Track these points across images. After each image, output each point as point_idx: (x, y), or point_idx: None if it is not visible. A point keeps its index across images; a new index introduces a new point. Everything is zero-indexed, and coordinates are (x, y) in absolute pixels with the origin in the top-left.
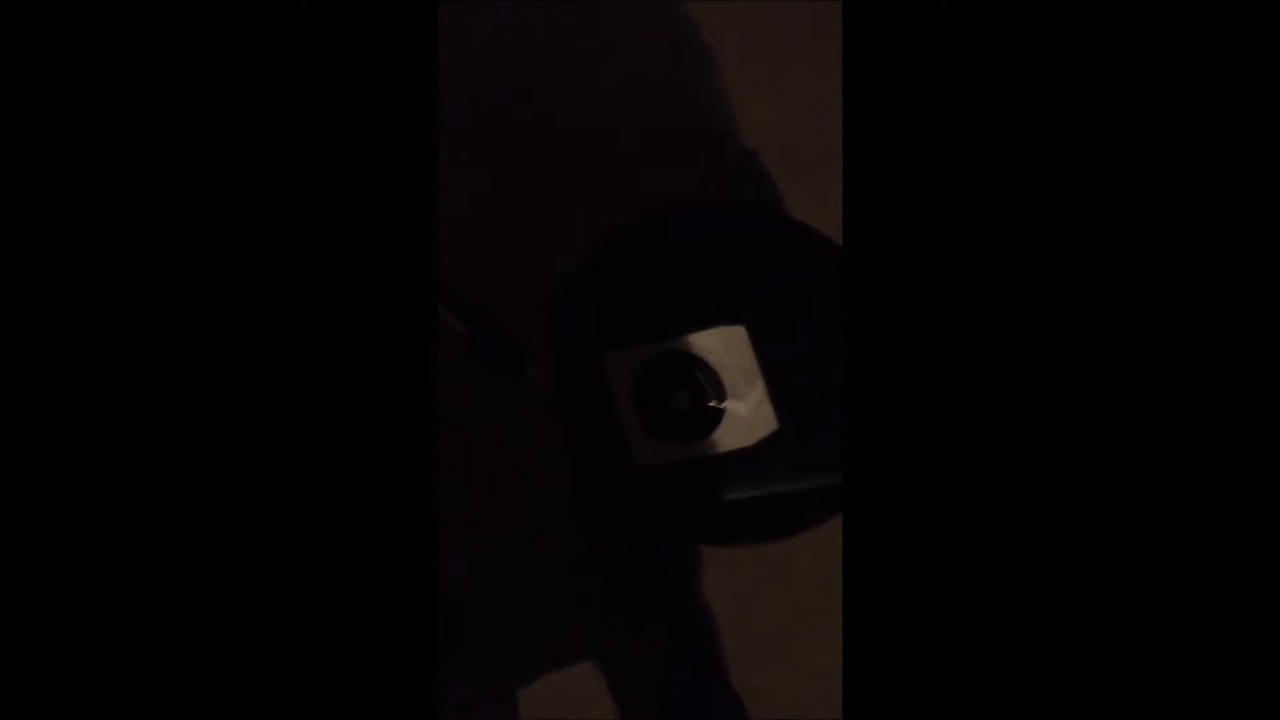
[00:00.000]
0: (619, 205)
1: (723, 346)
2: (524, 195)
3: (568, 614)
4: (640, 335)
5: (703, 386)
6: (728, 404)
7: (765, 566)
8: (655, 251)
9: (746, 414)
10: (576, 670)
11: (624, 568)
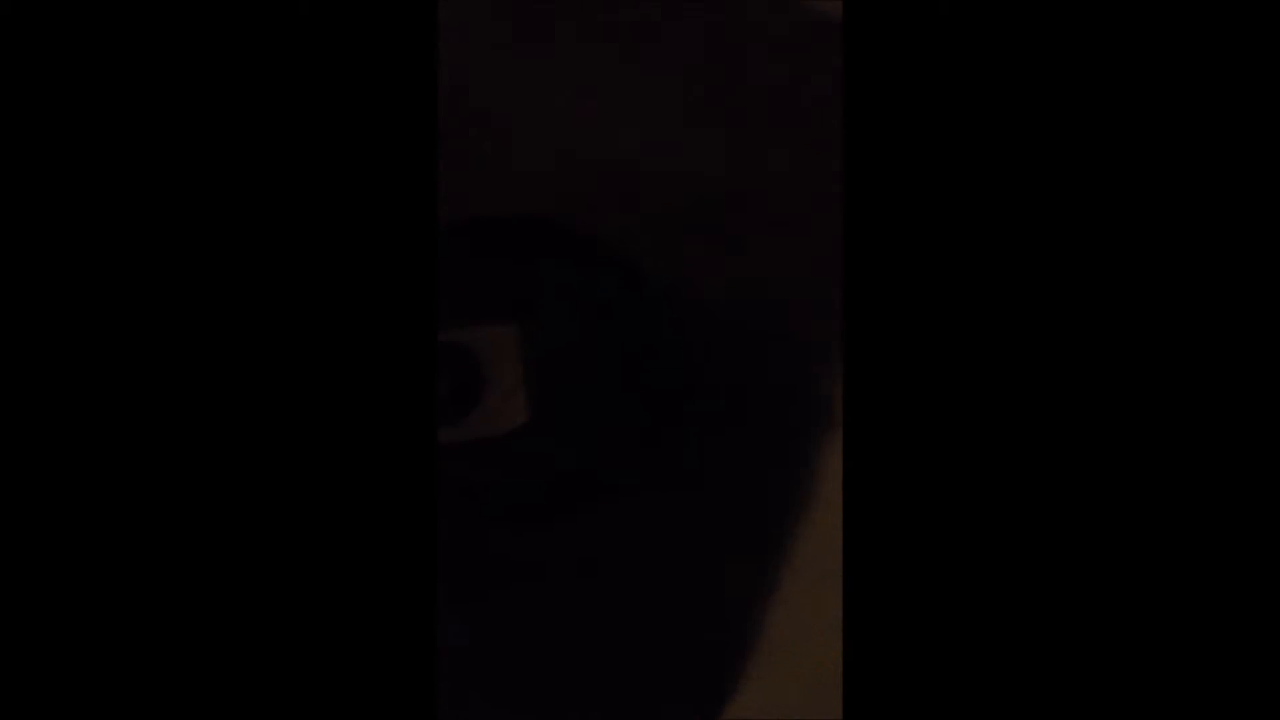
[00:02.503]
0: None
1: (490, 343)
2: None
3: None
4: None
5: (463, 376)
6: (484, 395)
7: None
8: (457, 258)
9: (500, 405)
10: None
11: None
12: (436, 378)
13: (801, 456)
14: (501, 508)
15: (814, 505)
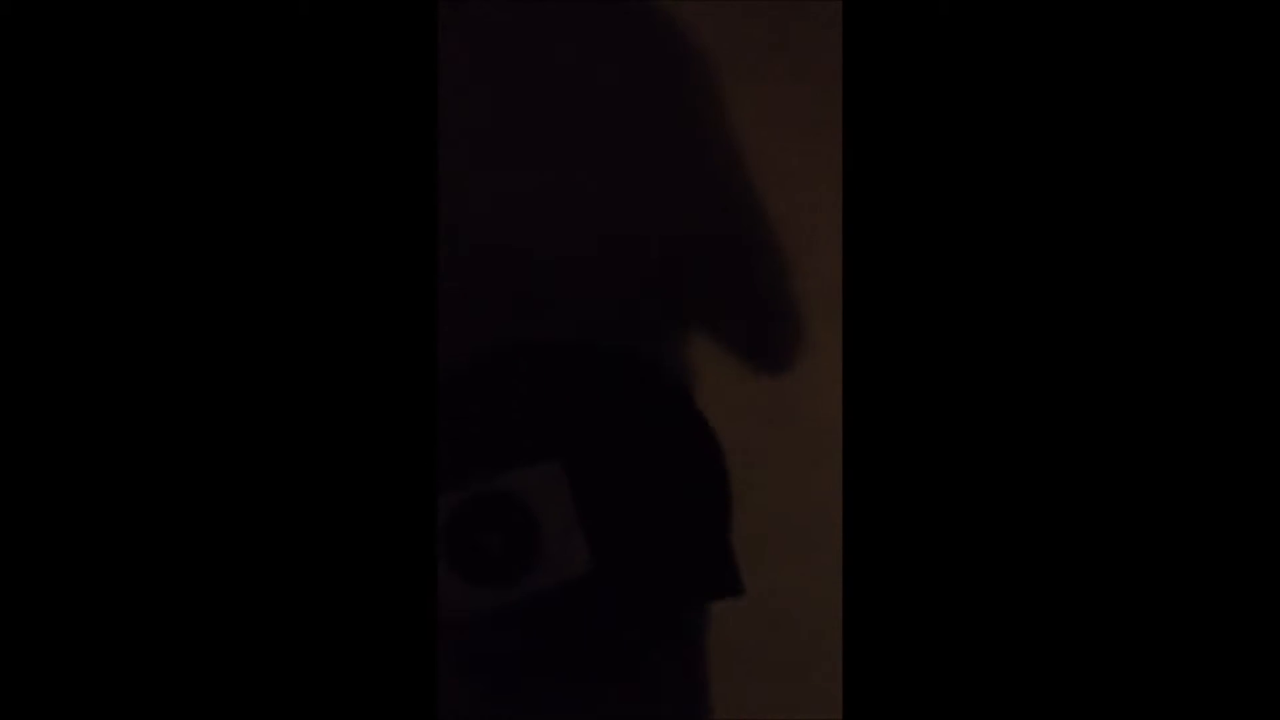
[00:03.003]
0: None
1: (537, 485)
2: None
3: None
4: (457, 476)
5: (514, 527)
6: (541, 544)
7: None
8: (479, 391)
9: (559, 553)
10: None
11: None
12: (483, 532)
13: None
14: (561, 668)
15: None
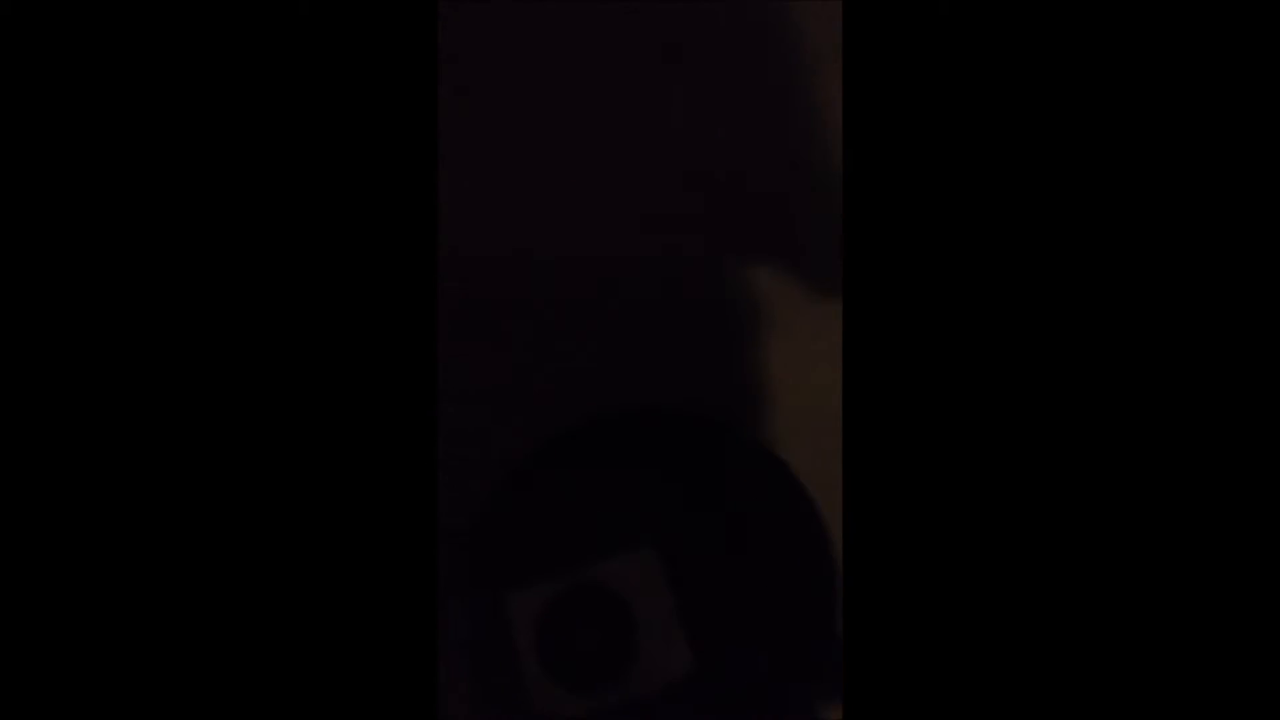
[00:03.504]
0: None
1: (632, 576)
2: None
3: None
4: (545, 569)
5: (609, 625)
6: (638, 642)
7: None
8: (567, 472)
9: (659, 653)
10: None
11: None
12: (579, 631)
13: None
14: None
15: None
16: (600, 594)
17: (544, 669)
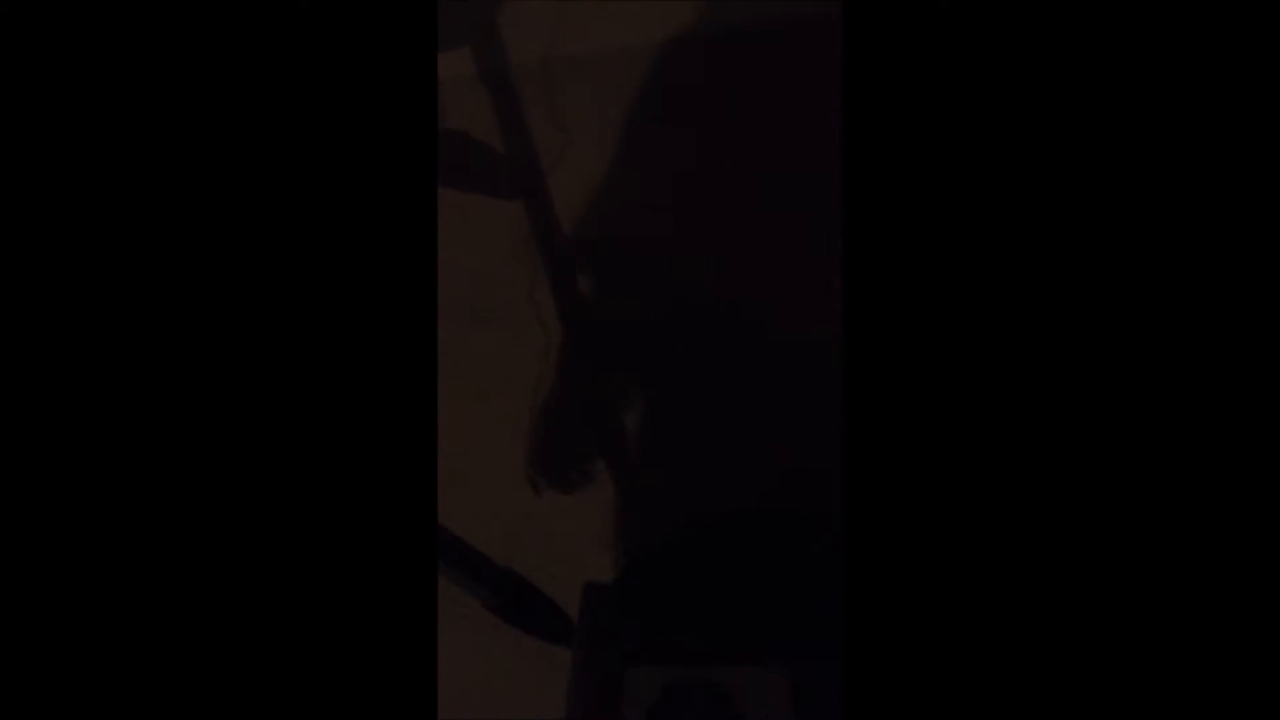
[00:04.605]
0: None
1: (756, 691)
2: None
3: None
4: (667, 656)
5: None
6: None
7: None
8: (699, 565)
9: None
10: None
11: None
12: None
13: None
14: None
15: None
16: (718, 696)
17: None
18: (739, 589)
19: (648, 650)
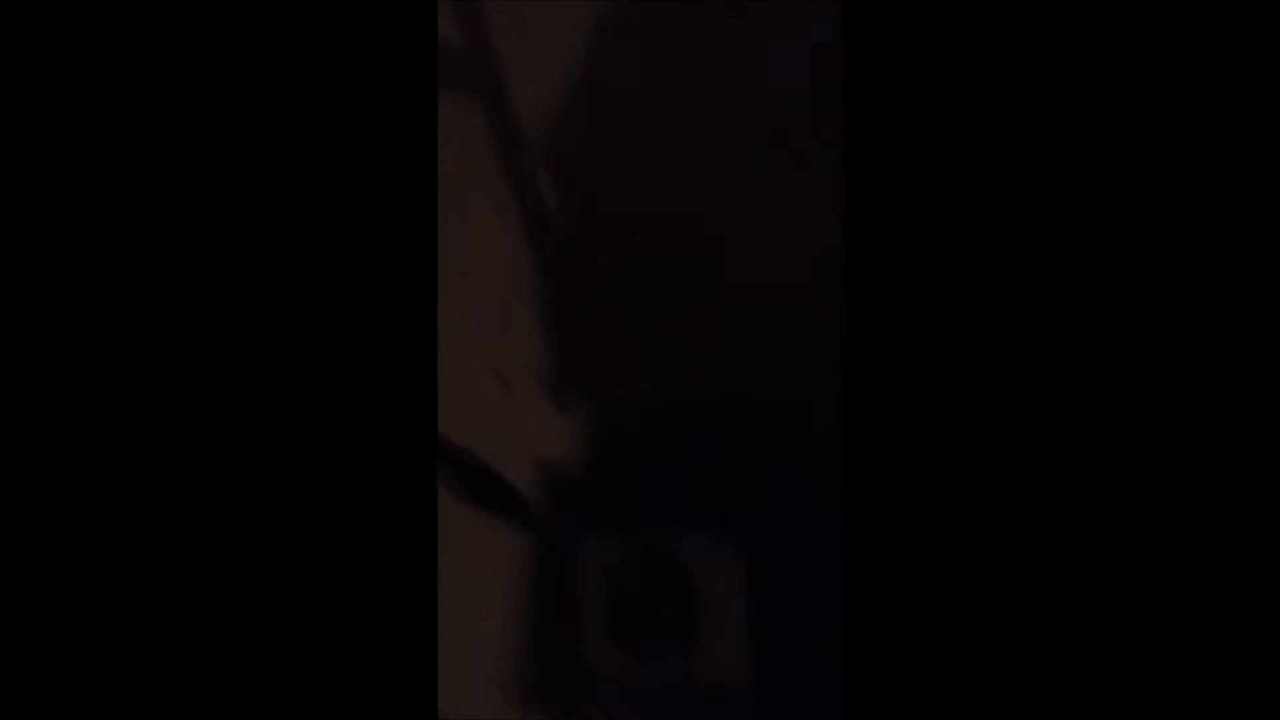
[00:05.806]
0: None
1: (714, 571)
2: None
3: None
4: (625, 530)
5: (680, 603)
6: (700, 634)
7: None
8: (662, 448)
9: (722, 651)
10: None
11: None
12: (648, 600)
13: None
14: None
15: None
16: (673, 569)
17: (605, 625)
18: (703, 468)
19: (605, 525)
